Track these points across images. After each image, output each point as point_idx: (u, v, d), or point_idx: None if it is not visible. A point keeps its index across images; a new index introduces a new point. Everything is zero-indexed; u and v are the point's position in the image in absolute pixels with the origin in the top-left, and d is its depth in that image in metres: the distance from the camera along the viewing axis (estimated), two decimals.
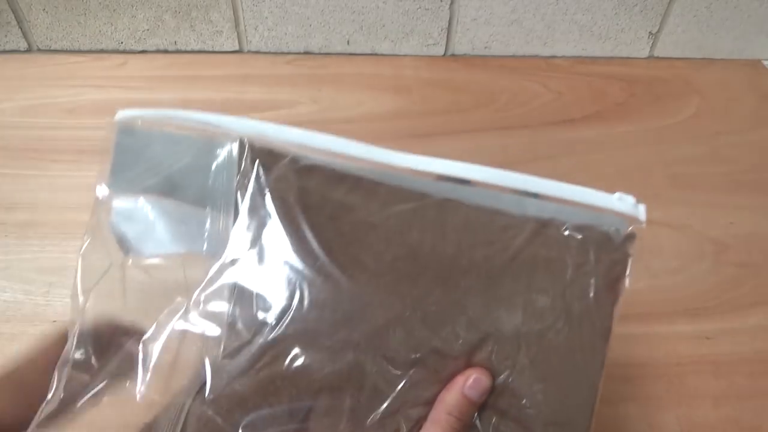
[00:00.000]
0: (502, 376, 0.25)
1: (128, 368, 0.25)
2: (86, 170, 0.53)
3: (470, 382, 0.25)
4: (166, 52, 0.67)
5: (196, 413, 0.24)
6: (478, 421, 0.25)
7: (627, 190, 0.56)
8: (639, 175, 0.56)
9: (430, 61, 0.68)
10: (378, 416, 0.24)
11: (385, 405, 0.24)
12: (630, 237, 0.26)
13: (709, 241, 0.50)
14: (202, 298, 0.25)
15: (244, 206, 0.25)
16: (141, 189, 0.26)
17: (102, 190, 0.27)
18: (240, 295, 0.25)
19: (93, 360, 0.25)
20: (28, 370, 0.26)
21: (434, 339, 0.25)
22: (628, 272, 0.26)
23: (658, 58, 0.70)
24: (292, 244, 0.25)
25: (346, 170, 0.26)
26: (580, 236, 0.26)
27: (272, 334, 0.24)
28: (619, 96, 0.65)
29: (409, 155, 0.26)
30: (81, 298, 0.26)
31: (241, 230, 0.25)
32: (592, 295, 0.26)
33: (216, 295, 0.25)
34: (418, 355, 0.25)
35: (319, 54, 0.68)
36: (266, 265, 0.25)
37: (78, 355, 0.25)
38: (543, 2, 0.64)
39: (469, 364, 0.25)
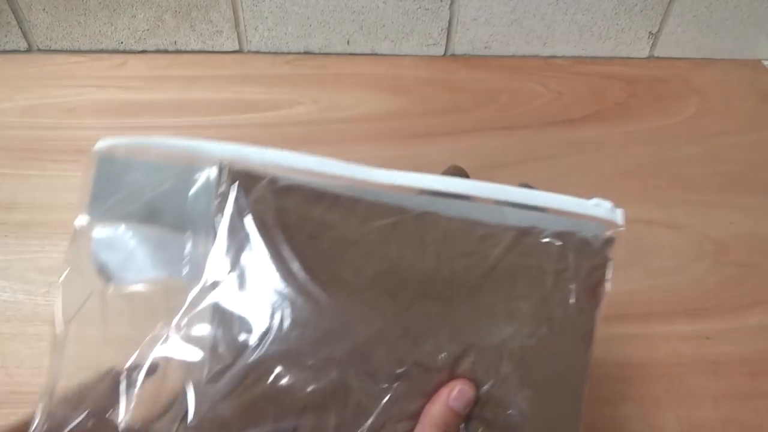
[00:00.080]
0: (486, 386, 0.25)
1: (111, 397, 0.25)
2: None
3: (455, 394, 0.25)
4: (166, 52, 0.67)
5: None
6: None
7: (627, 190, 0.56)
8: (639, 175, 0.56)
9: (430, 61, 0.68)
10: None
11: (370, 421, 0.24)
12: (609, 241, 0.26)
13: (709, 241, 0.50)
14: (184, 322, 0.25)
15: (222, 228, 0.25)
16: (121, 216, 0.27)
17: (81, 220, 0.27)
18: (221, 317, 0.25)
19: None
20: None
21: (416, 352, 0.25)
22: (608, 276, 0.26)
23: (658, 58, 0.70)
24: (271, 265, 0.25)
25: (325, 188, 0.26)
26: (559, 243, 0.26)
27: (254, 355, 0.24)
28: (619, 96, 0.65)
29: (388, 171, 0.26)
30: (61, 328, 0.26)
31: (220, 253, 0.25)
32: (572, 301, 0.26)
33: (197, 319, 0.25)
34: (401, 370, 0.25)
35: (319, 54, 0.68)
36: (247, 286, 0.25)
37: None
38: (543, 2, 0.64)
39: (452, 376, 0.25)
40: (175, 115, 0.59)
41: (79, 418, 0.25)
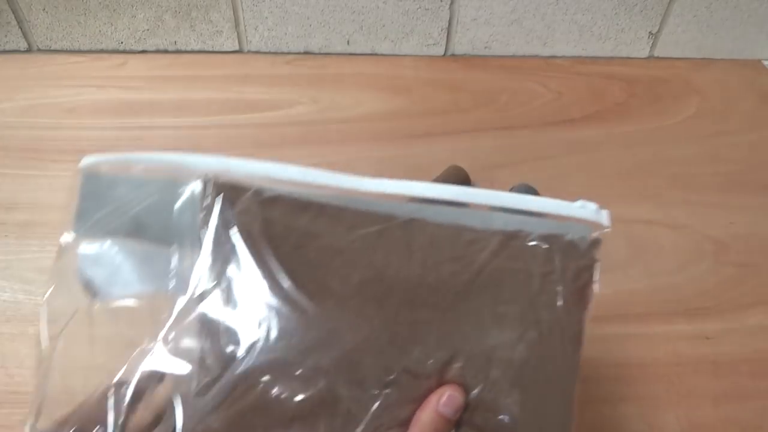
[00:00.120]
0: (475, 391, 0.25)
1: (99, 413, 0.25)
2: None
3: (444, 400, 0.25)
4: (166, 52, 0.67)
5: None
6: None
7: (627, 190, 0.56)
8: (639, 175, 0.56)
9: (430, 61, 0.68)
10: None
11: (359, 429, 0.24)
12: (595, 243, 0.26)
13: (709, 241, 0.50)
14: (171, 335, 0.25)
15: (207, 241, 0.25)
16: (106, 231, 0.26)
17: (67, 237, 0.27)
18: (208, 330, 0.25)
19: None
20: None
21: (404, 359, 0.25)
22: (596, 278, 0.26)
23: (658, 58, 0.70)
24: (258, 276, 0.25)
25: (311, 198, 0.26)
26: (545, 246, 0.26)
27: (241, 366, 0.24)
28: (619, 96, 0.65)
29: (373, 179, 0.26)
30: (47, 345, 0.26)
31: (206, 265, 0.25)
32: (560, 303, 0.26)
33: (185, 331, 0.25)
34: (389, 377, 0.25)
35: (319, 54, 0.68)
36: (233, 298, 0.25)
37: None
38: (543, 2, 0.64)
39: (441, 382, 0.25)
40: (175, 115, 0.59)
41: None
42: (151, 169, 0.26)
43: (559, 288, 0.26)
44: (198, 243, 0.25)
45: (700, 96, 0.65)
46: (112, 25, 0.65)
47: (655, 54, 0.70)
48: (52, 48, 0.66)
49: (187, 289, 0.25)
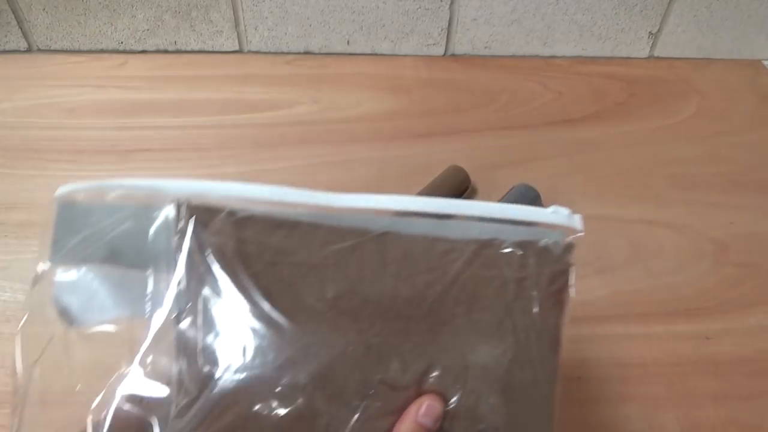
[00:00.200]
0: (453, 399, 0.25)
1: None
2: (86, 170, 0.54)
3: (423, 410, 0.25)
4: (166, 52, 0.67)
5: None
6: None
7: (627, 190, 0.56)
8: (639, 175, 0.56)
9: (430, 61, 0.68)
10: None
11: None
12: (569, 247, 0.27)
13: (709, 241, 0.50)
14: (149, 359, 0.25)
15: (181, 263, 0.25)
16: (82, 258, 0.27)
17: (42, 266, 0.27)
18: (185, 351, 0.25)
19: None
20: None
21: (381, 371, 0.25)
22: (571, 282, 0.26)
23: (658, 58, 0.70)
24: (233, 295, 0.25)
25: (285, 217, 0.26)
26: (520, 252, 0.26)
27: (218, 386, 0.24)
28: (619, 96, 0.65)
29: (346, 195, 0.27)
30: (22, 374, 0.26)
31: (181, 287, 0.25)
32: (536, 308, 0.26)
33: (161, 354, 0.25)
34: (367, 389, 0.25)
35: (319, 54, 0.68)
36: (209, 318, 0.25)
37: None
38: (543, 2, 0.64)
39: (420, 392, 0.25)
40: (175, 115, 0.59)
41: None
42: (126, 196, 0.27)
43: (534, 293, 0.26)
44: (174, 266, 0.25)
45: (700, 96, 0.65)
46: (112, 25, 0.65)
47: (655, 54, 0.70)
48: (52, 48, 0.66)
49: (163, 312, 0.25)
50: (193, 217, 0.26)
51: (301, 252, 0.26)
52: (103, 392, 0.25)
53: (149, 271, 0.26)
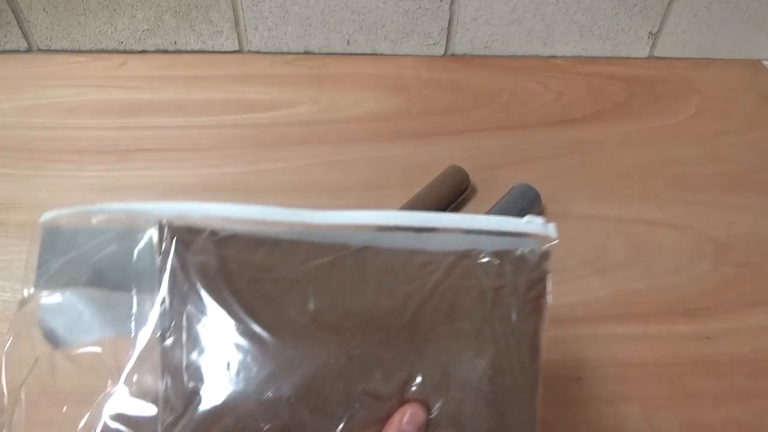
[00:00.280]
0: (436, 407, 0.26)
1: None
2: (86, 170, 0.54)
3: (406, 418, 0.25)
4: (166, 52, 0.67)
5: None
6: None
7: (627, 190, 0.56)
8: (639, 175, 0.56)
9: (430, 61, 0.68)
10: None
11: None
12: (545, 255, 0.27)
13: (709, 241, 0.50)
14: (134, 378, 0.25)
15: (164, 282, 0.26)
16: (66, 281, 0.27)
17: (27, 291, 0.27)
18: (170, 368, 0.25)
19: None
20: None
21: (363, 381, 0.26)
22: (548, 289, 0.27)
23: (658, 58, 0.70)
24: (216, 312, 0.26)
25: (267, 235, 0.27)
26: (497, 261, 0.27)
27: (203, 402, 0.25)
28: (619, 96, 0.65)
29: (327, 212, 0.27)
30: (7, 397, 0.26)
31: (165, 306, 0.26)
32: (514, 315, 0.27)
33: (147, 372, 0.25)
34: (350, 400, 0.25)
35: (319, 54, 0.68)
36: (193, 335, 0.26)
37: None
38: (543, 2, 0.64)
39: (403, 401, 0.26)
40: (175, 115, 0.59)
41: None
42: (110, 219, 0.27)
43: (512, 301, 0.27)
44: (158, 286, 0.26)
45: (700, 96, 0.65)
46: (112, 25, 0.65)
47: (655, 54, 0.70)
48: (52, 48, 0.66)
49: (148, 331, 0.26)
50: (176, 238, 0.26)
51: (283, 268, 0.26)
52: (89, 412, 0.25)
53: (134, 292, 0.27)
